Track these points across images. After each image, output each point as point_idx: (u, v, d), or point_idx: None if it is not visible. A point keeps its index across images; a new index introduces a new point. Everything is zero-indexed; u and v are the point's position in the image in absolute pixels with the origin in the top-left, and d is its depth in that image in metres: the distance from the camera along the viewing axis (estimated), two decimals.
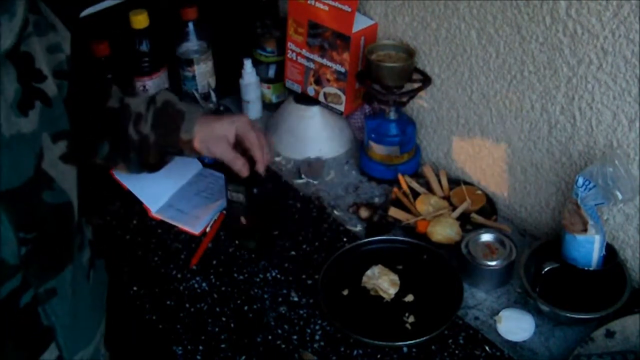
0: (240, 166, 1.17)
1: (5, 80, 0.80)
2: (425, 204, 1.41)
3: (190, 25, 1.58)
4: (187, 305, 1.25)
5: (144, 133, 1.12)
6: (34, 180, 0.83)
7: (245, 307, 1.24)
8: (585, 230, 1.15)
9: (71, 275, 0.91)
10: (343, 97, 1.55)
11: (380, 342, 1.15)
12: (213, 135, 1.14)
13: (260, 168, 1.20)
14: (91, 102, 1.08)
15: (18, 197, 0.81)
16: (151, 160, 1.16)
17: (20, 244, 0.81)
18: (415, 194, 1.45)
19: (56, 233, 0.88)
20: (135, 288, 1.29)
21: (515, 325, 1.18)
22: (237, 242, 1.37)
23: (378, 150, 1.49)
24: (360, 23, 1.49)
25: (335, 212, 1.45)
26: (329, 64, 1.54)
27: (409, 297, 1.23)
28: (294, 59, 1.61)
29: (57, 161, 0.87)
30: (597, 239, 1.16)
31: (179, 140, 1.13)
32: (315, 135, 1.60)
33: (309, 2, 1.51)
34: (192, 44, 1.60)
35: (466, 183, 1.46)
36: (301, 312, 1.22)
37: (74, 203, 0.91)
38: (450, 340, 1.16)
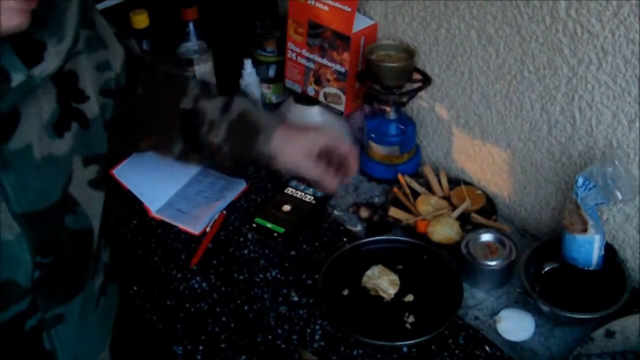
0: (329, 182, 1.10)
1: (43, 100, 0.79)
2: (425, 204, 1.41)
3: (190, 25, 1.59)
4: (187, 305, 1.25)
5: (216, 143, 1.06)
6: (59, 203, 0.82)
7: (245, 307, 1.24)
8: (585, 230, 1.15)
9: (80, 303, 0.90)
10: (343, 97, 1.55)
11: (380, 342, 1.15)
12: (297, 151, 1.07)
13: (349, 179, 1.14)
14: (163, 101, 1.04)
15: (40, 220, 0.79)
16: (226, 165, 1.11)
17: (35, 268, 0.80)
18: (415, 194, 1.45)
19: (73, 259, 0.86)
20: (135, 288, 1.29)
21: (515, 325, 1.18)
22: (255, 224, 1.39)
23: (378, 150, 1.49)
24: (360, 23, 1.49)
25: (335, 212, 1.45)
26: (329, 64, 1.54)
27: (409, 297, 1.23)
28: (294, 59, 1.61)
29: (85, 186, 0.85)
30: (597, 239, 1.16)
31: (254, 153, 1.07)
32: None
33: (309, 2, 1.51)
34: (192, 44, 1.60)
35: (466, 183, 1.46)
36: (301, 312, 1.22)
37: (95, 230, 0.89)
38: (450, 340, 1.16)
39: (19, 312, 0.81)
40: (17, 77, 0.74)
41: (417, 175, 1.51)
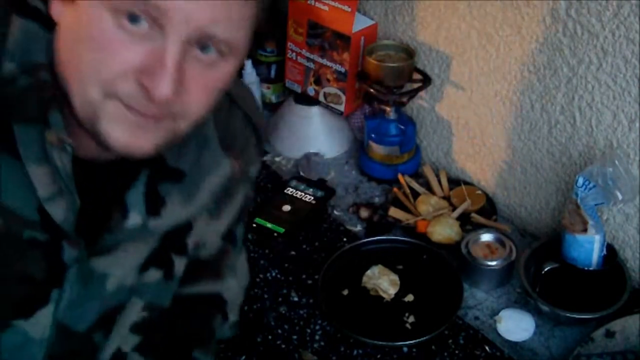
0: None
1: (147, 241, 0.78)
2: (425, 204, 1.41)
3: None
4: None
5: None
6: (94, 326, 0.80)
7: (245, 307, 1.24)
8: (585, 230, 1.15)
9: None
10: (343, 97, 1.55)
11: (380, 342, 1.15)
12: None
13: None
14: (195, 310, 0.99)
15: (71, 337, 0.78)
16: None
17: None
18: (415, 194, 1.45)
19: None
20: None
21: (515, 325, 1.18)
22: (255, 224, 1.39)
23: (378, 150, 1.49)
24: (360, 23, 1.49)
25: (335, 212, 1.45)
26: (329, 64, 1.54)
27: (409, 297, 1.23)
28: (294, 59, 1.61)
29: (128, 332, 0.83)
30: (597, 239, 1.16)
31: None
32: (315, 135, 1.60)
33: (309, 2, 1.51)
34: None
35: (466, 183, 1.46)
36: (301, 312, 1.22)
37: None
38: (450, 340, 1.16)
39: None
40: (134, 219, 0.74)
41: (417, 175, 1.51)
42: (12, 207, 0.67)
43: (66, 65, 0.63)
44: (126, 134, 0.63)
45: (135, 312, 0.82)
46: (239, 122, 0.85)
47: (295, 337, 1.18)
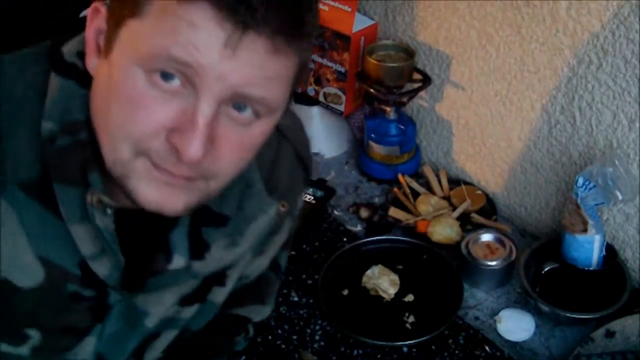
0: None
1: (184, 285, 0.78)
2: (425, 204, 1.41)
3: None
4: None
5: None
6: (130, 356, 0.80)
7: None
8: (585, 230, 1.15)
9: None
10: (343, 97, 1.55)
11: (380, 342, 1.15)
12: None
13: None
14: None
15: None
16: None
17: None
18: (415, 194, 1.45)
19: None
20: None
21: (515, 325, 1.18)
22: None
23: (378, 150, 1.49)
24: (360, 23, 1.49)
25: (335, 212, 1.45)
26: (329, 64, 1.54)
27: (409, 297, 1.23)
28: None
29: (156, 349, 0.83)
30: (597, 239, 1.16)
31: None
32: (315, 135, 1.60)
33: None
34: None
35: (466, 183, 1.46)
36: (301, 312, 1.22)
37: None
38: (451, 340, 1.16)
39: None
40: (178, 262, 0.73)
41: (417, 175, 1.51)
42: (56, 261, 0.67)
43: (99, 120, 0.63)
44: (156, 192, 0.62)
45: (169, 339, 0.83)
46: (288, 162, 0.83)
47: (295, 337, 1.18)
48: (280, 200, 0.79)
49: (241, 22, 0.55)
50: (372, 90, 1.43)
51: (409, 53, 1.43)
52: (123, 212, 0.67)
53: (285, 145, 0.82)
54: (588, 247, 1.17)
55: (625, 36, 1.07)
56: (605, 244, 1.19)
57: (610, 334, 1.11)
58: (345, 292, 1.25)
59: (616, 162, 1.12)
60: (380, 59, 1.41)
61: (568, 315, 1.15)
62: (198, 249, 0.74)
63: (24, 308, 0.69)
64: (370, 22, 1.51)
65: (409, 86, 1.44)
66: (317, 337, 1.18)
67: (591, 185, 1.14)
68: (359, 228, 1.41)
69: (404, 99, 1.46)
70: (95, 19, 0.63)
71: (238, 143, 0.61)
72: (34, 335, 0.71)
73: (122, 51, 0.58)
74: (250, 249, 0.82)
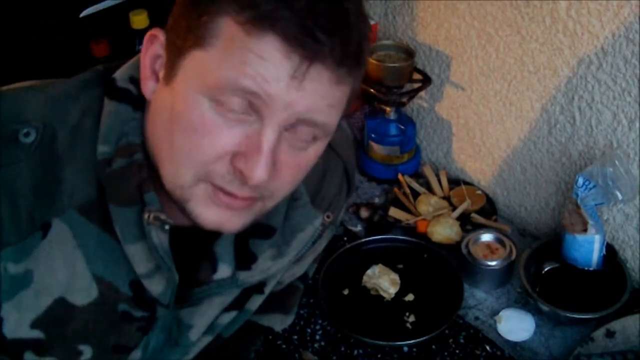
0: None
1: (226, 296, 0.79)
2: (425, 204, 1.41)
3: None
4: None
5: None
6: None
7: None
8: (585, 230, 1.16)
9: None
10: None
11: (381, 342, 1.15)
12: None
13: None
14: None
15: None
16: None
17: None
18: (415, 194, 1.45)
19: None
20: None
21: (516, 325, 1.18)
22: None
23: (378, 150, 1.49)
24: None
25: None
26: None
27: (410, 297, 1.23)
28: None
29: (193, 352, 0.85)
30: (597, 239, 1.16)
31: None
32: None
33: None
34: None
35: (466, 183, 1.46)
36: (301, 312, 1.22)
37: None
38: (451, 340, 1.16)
39: None
40: (223, 272, 0.74)
41: (417, 175, 1.51)
42: (109, 280, 0.69)
43: (158, 145, 0.64)
44: (217, 215, 0.64)
45: (203, 345, 0.84)
46: (337, 177, 0.85)
47: (295, 337, 1.18)
48: (326, 212, 0.81)
49: (308, 54, 0.57)
50: (372, 90, 1.43)
51: (409, 53, 1.43)
52: (172, 228, 0.68)
53: (336, 160, 0.84)
54: (588, 247, 1.17)
55: (625, 36, 1.08)
56: (605, 244, 1.19)
57: (610, 334, 1.11)
58: (346, 292, 1.25)
59: (616, 162, 1.12)
60: (380, 59, 1.41)
61: (568, 315, 1.15)
62: (245, 260, 0.76)
63: (78, 324, 0.70)
64: (370, 22, 1.51)
65: (409, 86, 1.44)
66: (317, 337, 1.18)
67: (591, 185, 1.14)
68: (359, 228, 1.41)
69: (404, 99, 1.46)
70: (153, 46, 0.64)
71: (296, 165, 0.64)
72: (87, 351, 0.72)
73: (187, 81, 0.60)
74: (294, 260, 0.83)
